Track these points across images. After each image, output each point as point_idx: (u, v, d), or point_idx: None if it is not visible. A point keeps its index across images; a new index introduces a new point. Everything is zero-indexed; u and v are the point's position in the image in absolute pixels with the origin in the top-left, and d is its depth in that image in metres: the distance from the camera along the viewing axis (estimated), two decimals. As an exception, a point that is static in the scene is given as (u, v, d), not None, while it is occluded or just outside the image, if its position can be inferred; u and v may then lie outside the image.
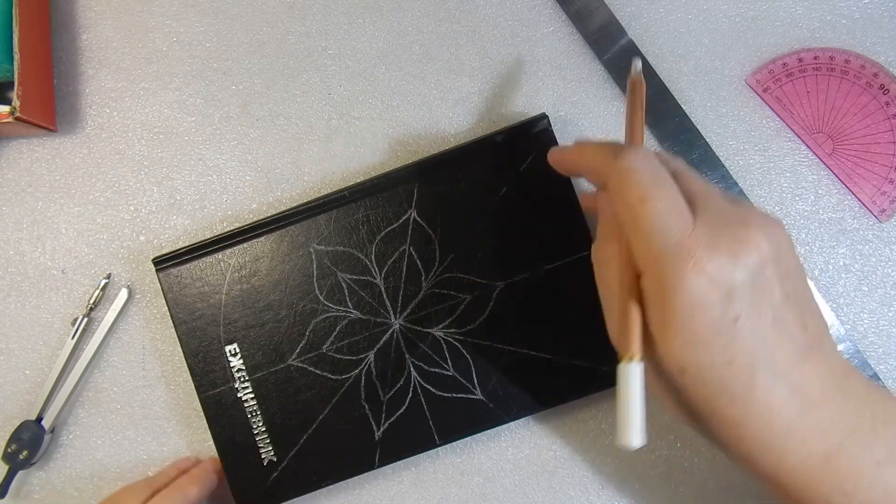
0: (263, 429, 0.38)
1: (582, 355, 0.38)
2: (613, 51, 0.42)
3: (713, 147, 0.41)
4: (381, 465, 0.38)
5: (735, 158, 0.41)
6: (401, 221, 0.39)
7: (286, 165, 0.42)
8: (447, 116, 0.42)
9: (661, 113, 0.41)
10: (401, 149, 0.42)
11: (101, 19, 0.43)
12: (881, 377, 0.40)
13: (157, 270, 0.39)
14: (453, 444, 0.40)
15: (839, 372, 0.28)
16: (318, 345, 0.38)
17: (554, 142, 0.39)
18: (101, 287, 0.41)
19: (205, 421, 0.40)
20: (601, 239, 0.31)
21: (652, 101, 0.41)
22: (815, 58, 0.41)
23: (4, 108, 0.37)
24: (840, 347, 0.40)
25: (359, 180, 0.40)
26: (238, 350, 0.39)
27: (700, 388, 0.27)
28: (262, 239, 0.39)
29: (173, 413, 0.41)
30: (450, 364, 0.38)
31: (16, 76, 0.37)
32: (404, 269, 0.39)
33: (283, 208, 0.40)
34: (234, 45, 0.43)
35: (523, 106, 0.42)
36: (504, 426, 0.41)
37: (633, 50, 0.42)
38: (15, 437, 0.40)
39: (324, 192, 0.40)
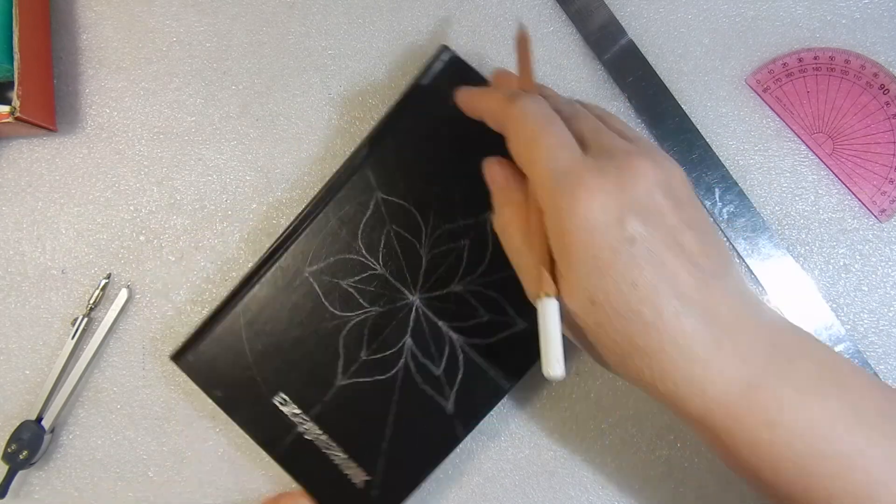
0: (344, 456, 0.38)
1: None
2: (613, 51, 0.42)
3: (713, 147, 0.41)
4: (466, 433, 0.38)
5: (735, 158, 0.41)
6: (371, 207, 0.38)
7: (286, 165, 0.42)
8: (447, 116, 0.42)
9: (661, 113, 0.41)
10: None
11: (101, 19, 0.43)
12: (881, 377, 0.40)
13: (178, 365, 0.39)
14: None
15: (751, 302, 0.28)
16: (356, 356, 0.38)
17: (465, 67, 0.39)
18: (101, 287, 0.41)
19: (206, 421, 0.40)
20: (498, 207, 0.33)
21: (652, 101, 0.41)
22: (815, 58, 0.41)
23: (4, 108, 0.37)
24: (840, 348, 0.40)
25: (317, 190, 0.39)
26: (286, 397, 0.38)
27: (613, 318, 0.27)
28: (256, 288, 0.39)
29: (173, 413, 0.41)
30: (481, 310, 0.38)
31: (16, 76, 0.37)
32: (397, 247, 0.38)
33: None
34: (234, 45, 0.43)
35: (523, 106, 0.42)
36: (504, 426, 0.41)
37: (633, 50, 0.42)
38: (15, 437, 0.40)
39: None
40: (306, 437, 0.38)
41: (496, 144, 0.35)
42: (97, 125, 0.42)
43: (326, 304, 0.38)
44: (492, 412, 0.38)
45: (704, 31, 0.42)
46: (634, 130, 0.33)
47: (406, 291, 0.38)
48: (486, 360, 0.38)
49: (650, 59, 0.42)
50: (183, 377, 0.41)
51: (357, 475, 0.38)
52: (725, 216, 0.41)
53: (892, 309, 0.41)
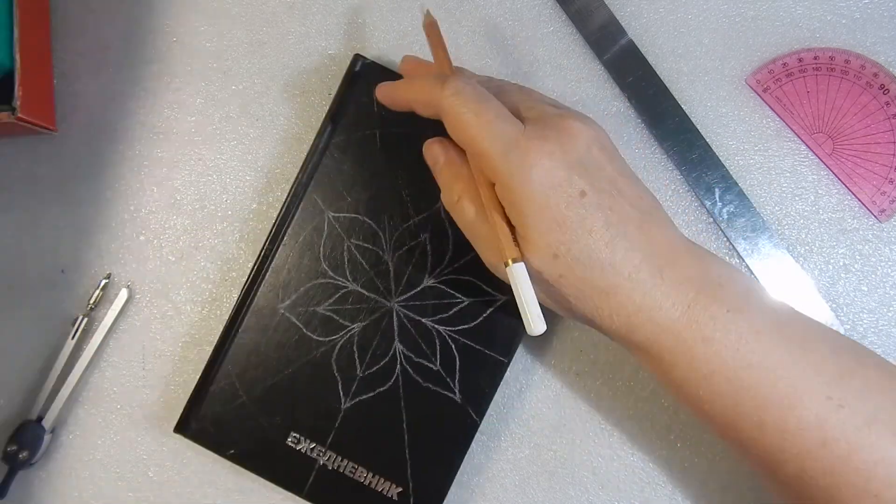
0: (372, 474, 0.38)
1: None
2: (613, 51, 0.42)
3: (713, 147, 0.41)
4: (481, 417, 0.38)
5: (735, 158, 0.41)
6: (326, 229, 0.39)
7: (286, 165, 0.42)
8: (447, 116, 0.42)
9: (661, 113, 0.41)
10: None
11: (101, 19, 0.43)
12: (881, 377, 0.40)
13: (184, 436, 0.39)
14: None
15: (681, 237, 0.32)
16: (353, 375, 0.38)
17: (381, 70, 0.39)
18: (101, 287, 0.41)
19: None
20: (444, 186, 0.34)
21: (652, 100, 0.41)
22: (815, 58, 0.41)
23: (4, 109, 0.37)
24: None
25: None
26: (298, 435, 0.38)
27: (574, 266, 0.30)
28: (238, 338, 0.39)
29: (173, 413, 0.41)
30: (459, 296, 0.39)
31: (16, 76, 0.37)
32: (361, 260, 0.39)
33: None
34: (234, 45, 0.43)
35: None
36: (504, 426, 0.41)
37: (633, 50, 0.42)
38: (15, 437, 0.40)
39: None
40: (329, 467, 0.38)
41: (427, 137, 0.36)
42: (97, 125, 0.42)
43: (309, 334, 0.39)
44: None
45: (704, 31, 0.42)
46: (554, 99, 0.35)
47: (382, 300, 0.39)
48: (478, 341, 0.38)
49: (650, 59, 0.42)
50: (183, 378, 0.41)
51: (390, 489, 0.38)
52: (725, 216, 0.41)
53: (891, 309, 0.41)
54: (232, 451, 0.38)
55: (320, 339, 0.38)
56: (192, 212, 0.42)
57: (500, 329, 0.38)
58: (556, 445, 0.41)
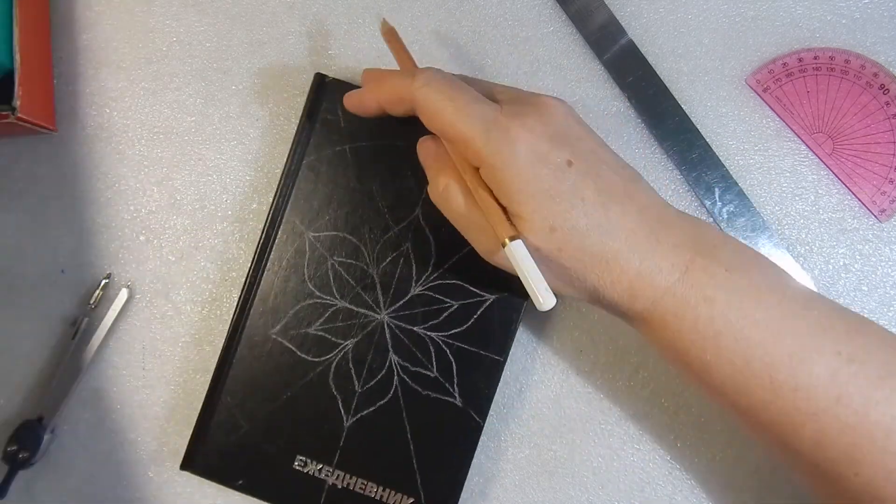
0: (382, 489, 0.38)
1: None
2: (613, 51, 0.42)
3: (713, 147, 0.41)
4: (484, 418, 0.38)
5: (735, 158, 0.41)
6: (308, 249, 0.39)
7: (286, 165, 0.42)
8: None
9: (661, 113, 0.41)
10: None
11: (100, 19, 0.43)
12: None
13: (192, 472, 0.39)
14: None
15: (665, 202, 0.32)
16: (352, 391, 0.38)
17: (343, 86, 0.39)
18: (101, 287, 0.41)
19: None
20: (432, 178, 0.34)
21: (652, 101, 0.41)
22: (815, 58, 0.41)
23: (4, 109, 0.37)
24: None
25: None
26: (304, 458, 0.38)
27: (572, 237, 0.30)
28: (233, 369, 0.39)
29: (173, 413, 0.41)
30: (447, 300, 0.39)
31: (16, 76, 0.37)
32: (347, 276, 0.39)
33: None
34: (234, 45, 0.43)
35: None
36: (504, 426, 0.41)
37: (633, 50, 0.42)
38: (15, 437, 0.40)
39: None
40: (339, 486, 0.38)
41: (397, 148, 0.37)
42: (97, 125, 0.42)
43: (303, 356, 0.39)
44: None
45: (704, 31, 0.42)
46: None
47: (372, 313, 0.39)
48: (471, 343, 0.38)
49: (650, 59, 0.42)
50: (183, 377, 0.41)
51: (402, 501, 0.38)
52: (725, 216, 0.41)
53: (891, 309, 0.41)
54: (240, 482, 0.38)
55: (315, 359, 0.38)
56: (192, 212, 0.42)
57: (493, 328, 0.38)
58: (556, 445, 0.41)
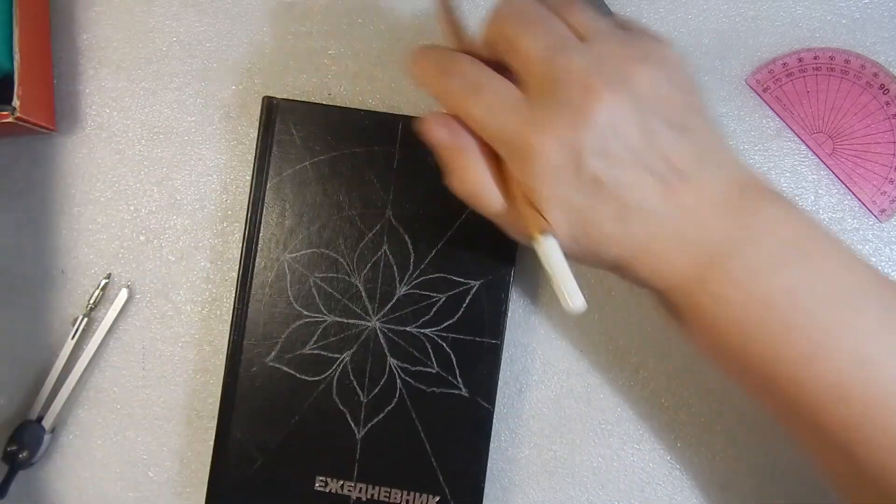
0: (406, 493, 0.38)
1: None
2: (613, 51, 0.42)
3: (713, 147, 0.41)
4: (493, 404, 0.38)
5: (735, 158, 0.41)
6: (288, 271, 0.39)
7: (286, 165, 0.42)
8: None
9: (661, 113, 0.41)
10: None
11: (100, 19, 0.43)
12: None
13: None
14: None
15: (718, 155, 0.30)
16: (358, 403, 0.38)
17: (293, 104, 0.39)
18: (101, 287, 0.41)
19: (206, 420, 0.40)
20: (453, 167, 0.31)
21: (652, 101, 0.41)
22: (815, 58, 0.41)
23: (4, 109, 0.37)
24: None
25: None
26: (324, 478, 0.38)
27: (602, 206, 0.28)
28: (236, 402, 0.38)
29: (173, 413, 0.41)
30: (434, 295, 0.38)
31: (16, 76, 0.37)
32: (331, 291, 0.39)
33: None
34: (234, 45, 0.43)
35: (523, 106, 0.42)
36: (504, 426, 0.41)
37: (633, 50, 0.42)
38: (15, 437, 0.40)
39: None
40: (364, 499, 0.38)
41: (355, 155, 0.37)
42: (97, 125, 0.42)
43: (303, 377, 0.38)
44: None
45: (704, 31, 0.42)
46: (596, 19, 0.30)
47: (363, 322, 0.39)
48: (466, 332, 0.38)
49: (650, 59, 0.42)
50: (183, 377, 0.41)
51: (428, 501, 0.38)
52: (725, 216, 0.41)
53: (892, 309, 0.41)
54: None
55: (315, 378, 0.38)
56: (192, 212, 0.42)
57: (484, 313, 0.38)
58: (556, 445, 0.41)
